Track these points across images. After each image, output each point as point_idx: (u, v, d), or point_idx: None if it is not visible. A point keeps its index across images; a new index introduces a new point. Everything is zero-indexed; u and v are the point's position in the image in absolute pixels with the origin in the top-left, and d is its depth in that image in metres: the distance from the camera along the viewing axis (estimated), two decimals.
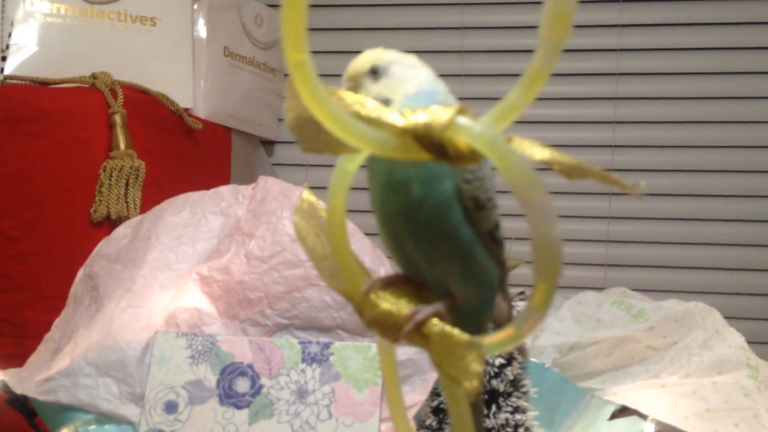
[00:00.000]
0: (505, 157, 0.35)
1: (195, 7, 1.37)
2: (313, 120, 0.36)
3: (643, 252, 1.54)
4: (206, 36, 1.39)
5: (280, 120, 1.66)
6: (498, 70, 1.59)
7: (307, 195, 0.47)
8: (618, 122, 1.54)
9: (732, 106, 1.52)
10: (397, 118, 0.37)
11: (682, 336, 0.92)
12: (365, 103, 0.38)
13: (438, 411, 0.80)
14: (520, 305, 0.64)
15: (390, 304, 0.41)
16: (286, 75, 1.66)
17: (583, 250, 1.53)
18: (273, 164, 1.67)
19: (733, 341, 0.90)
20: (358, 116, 0.37)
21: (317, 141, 0.38)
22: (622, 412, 0.86)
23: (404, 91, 0.43)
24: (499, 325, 0.47)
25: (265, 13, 1.55)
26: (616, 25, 1.53)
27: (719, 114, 1.52)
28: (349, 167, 0.42)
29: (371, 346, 0.77)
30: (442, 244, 0.42)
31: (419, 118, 0.37)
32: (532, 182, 0.34)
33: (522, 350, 0.48)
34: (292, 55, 0.34)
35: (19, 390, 0.79)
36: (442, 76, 0.45)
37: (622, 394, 0.87)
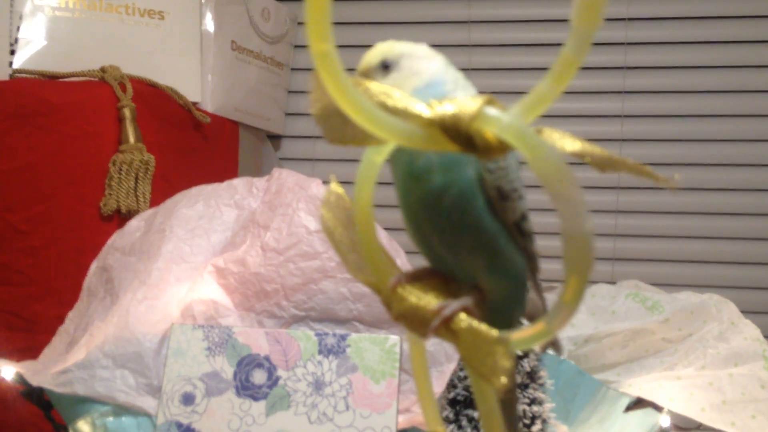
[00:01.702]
0: (535, 148, 0.34)
1: (203, 1, 1.37)
2: (339, 111, 0.35)
3: (651, 246, 1.54)
4: (214, 30, 1.39)
5: (287, 114, 1.65)
6: (505, 64, 1.59)
7: (335, 187, 0.46)
8: (626, 116, 1.54)
9: (741, 99, 1.52)
10: (423, 108, 0.37)
11: (698, 328, 0.92)
12: (392, 94, 0.37)
13: (455, 403, 0.80)
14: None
15: (417, 298, 0.41)
16: (293, 69, 1.66)
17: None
18: (280, 158, 1.67)
19: (748, 333, 0.90)
20: (385, 107, 0.37)
21: (343, 132, 0.38)
22: (638, 404, 0.86)
23: (412, 84, 0.43)
24: (532, 320, 0.46)
25: (273, 7, 1.55)
26: (624, 19, 1.53)
27: (728, 107, 1.52)
28: (377, 159, 0.41)
29: (388, 337, 0.77)
30: (466, 235, 0.42)
31: (446, 108, 0.36)
32: (563, 174, 0.34)
33: (555, 345, 0.47)
34: (317, 44, 0.34)
35: (35, 382, 0.79)
36: None
37: (638, 386, 0.87)
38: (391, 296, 0.42)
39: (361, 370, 0.77)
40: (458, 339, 0.39)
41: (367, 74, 0.45)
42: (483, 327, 0.39)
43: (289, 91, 1.65)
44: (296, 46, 1.65)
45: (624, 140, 1.55)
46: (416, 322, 0.41)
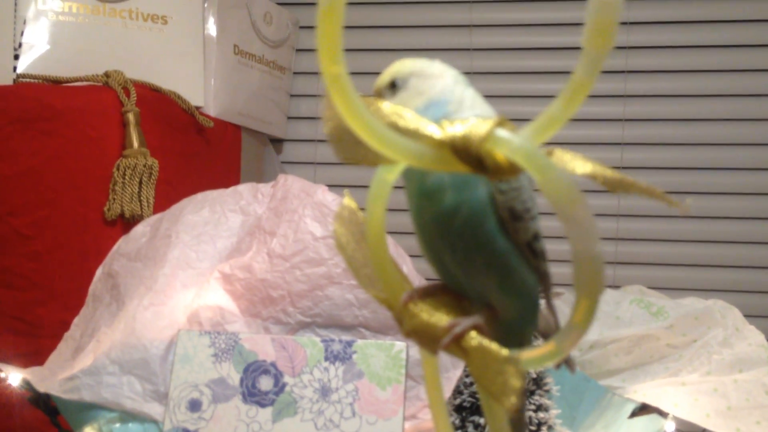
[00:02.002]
0: (545, 170, 0.34)
1: (205, 5, 1.37)
2: (351, 131, 0.36)
3: (654, 249, 1.54)
4: (216, 34, 1.39)
5: (289, 118, 1.66)
6: (506, 67, 1.59)
7: (348, 201, 0.46)
8: (627, 119, 1.54)
9: (742, 103, 1.52)
10: (434, 129, 0.37)
11: (702, 334, 0.92)
12: (403, 114, 0.38)
13: (461, 409, 0.80)
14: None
15: (429, 314, 0.41)
16: (295, 73, 1.66)
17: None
18: (282, 162, 1.67)
19: (753, 339, 0.90)
20: (396, 127, 0.37)
21: (356, 151, 0.38)
22: (643, 410, 0.86)
23: (414, 104, 0.42)
24: (546, 337, 0.46)
25: (274, 11, 1.55)
26: (625, 23, 1.54)
27: (730, 111, 1.52)
28: (388, 177, 0.41)
29: (394, 344, 0.77)
30: (477, 254, 0.42)
31: (457, 129, 0.36)
32: (572, 197, 0.34)
33: (569, 363, 0.47)
34: (329, 67, 0.34)
35: (41, 388, 0.79)
36: None
37: (643, 392, 0.87)
38: (402, 312, 0.42)
39: (367, 376, 0.77)
40: (469, 357, 0.40)
41: (380, 93, 0.45)
42: (493, 346, 0.39)
43: (291, 95, 1.66)
44: (298, 50, 1.66)
45: (625, 144, 1.55)
46: (427, 339, 0.41)
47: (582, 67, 0.34)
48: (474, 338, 0.39)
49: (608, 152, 1.55)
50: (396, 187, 0.43)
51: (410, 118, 0.37)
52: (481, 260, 0.42)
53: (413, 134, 0.37)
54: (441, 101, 0.43)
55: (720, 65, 1.53)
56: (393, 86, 0.44)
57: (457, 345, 0.40)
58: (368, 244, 0.42)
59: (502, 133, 0.36)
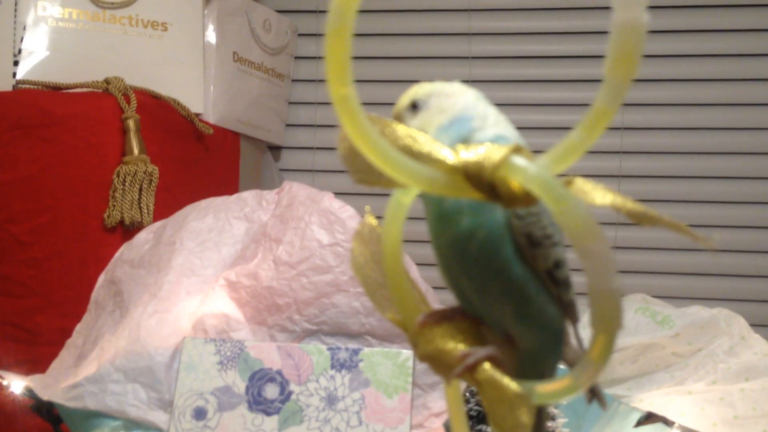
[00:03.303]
0: (561, 201, 0.33)
1: (205, 12, 1.37)
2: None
3: (654, 258, 1.54)
4: (216, 41, 1.39)
5: (287, 125, 1.65)
6: (505, 76, 1.59)
7: (369, 219, 0.45)
8: (626, 128, 1.55)
9: (745, 112, 1.52)
10: (448, 153, 0.36)
11: (708, 342, 0.91)
12: (417, 138, 0.37)
13: (467, 418, 0.79)
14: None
15: (444, 341, 0.40)
16: (293, 81, 1.66)
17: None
18: (280, 169, 1.67)
19: (759, 348, 0.90)
20: (410, 151, 0.36)
21: (369, 173, 0.36)
22: (648, 419, 0.86)
23: (438, 122, 0.42)
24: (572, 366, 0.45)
25: (274, 18, 1.55)
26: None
27: (731, 120, 1.53)
28: (404, 200, 0.40)
29: (401, 352, 0.77)
30: (493, 281, 0.40)
31: (471, 155, 0.35)
32: (589, 229, 0.32)
33: (600, 399, 0.45)
34: (337, 88, 0.33)
35: (45, 396, 0.78)
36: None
37: (649, 400, 0.87)
38: (418, 336, 0.41)
39: (373, 384, 0.76)
40: (481, 389, 0.39)
41: (399, 117, 0.44)
42: (504, 380, 0.38)
43: (290, 103, 1.65)
44: (297, 57, 1.65)
45: (624, 152, 1.55)
46: (441, 366, 0.40)
47: (604, 96, 0.32)
48: (486, 370, 0.38)
49: (607, 161, 1.55)
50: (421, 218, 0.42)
51: (424, 141, 0.36)
52: (497, 287, 0.40)
53: (426, 158, 0.36)
54: (465, 117, 0.42)
55: (721, 74, 1.53)
56: (414, 107, 0.43)
57: (470, 375, 0.39)
58: (384, 266, 0.41)
59: (518, 160, 0.34)
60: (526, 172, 0.34)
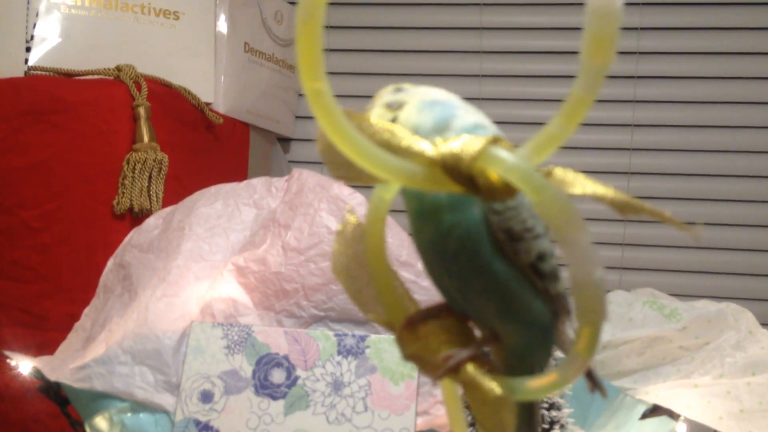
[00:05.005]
0: (541, 191, 0.32)
1: (217, 1, 1.37)
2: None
3: (660, 255, 1.53)
4: (227, 31, 1.39)
5: (297, 117, 1.65)
6: (516, 71, 1.59)
7: (350, 218, 0.43)
8: (636, 125, 1.54)
9: (754, 110, 1.52)
10: (426, 146, 0.35)
11: (715, 336, 0.91)
12: (395, 131, 0.36)
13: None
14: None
15: (429, 340, 0.39)
16: None
17: (599, 253, 1.52)
18: (289, 161, 1.67)
19: (766, 342, 0.90)
20: (388, 144, 0.35)
21: (349, 169, 0.35)
22: (654, 411, 0.86)
23: (421, 96, 0.40)
24: None
25: (285, 9, 1.55)
26: (636, 28, 1.53)
27: (741, 118, 1.52)
28: (385, 196, 0.40)
29: None
30: (474, 280, 0.39)
31: (449, 147, 0.34)
32: (570, 220, 0.31)
33: (600, 388, 0.44)
34: (310, 83, 0.32)
35: (53, 377, 0.78)
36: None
37: (655, 393, 0.87)
38: (403, 336, 0.40)
39: (380, 371, 0.76)
40: (465, 390, 0.38)
41: (380, 100, 0.43)
42: (485, 382, 0.37)
43: (300, 94, 1.65)
44: None
45: (634, 149, 1.55)
46: (427, 366, 0.39)
47: (581, 83, 0.32)
48: (469, 372, 0.37)
49: (617, 157, 1.54)
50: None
51: (402, 135, 0.35)
52: (478, 285, 0.39)
53: (405, 152, 0.35)
54: (446, 102, 0.40)
55: (731, 72, 1.53)
56: (398, 90, 0.42)
57: (455, 376, 0.38)
58: (368, 265, 0.40)
59: (496, 151, 0.33)
60: (505, 163, 0.33)
